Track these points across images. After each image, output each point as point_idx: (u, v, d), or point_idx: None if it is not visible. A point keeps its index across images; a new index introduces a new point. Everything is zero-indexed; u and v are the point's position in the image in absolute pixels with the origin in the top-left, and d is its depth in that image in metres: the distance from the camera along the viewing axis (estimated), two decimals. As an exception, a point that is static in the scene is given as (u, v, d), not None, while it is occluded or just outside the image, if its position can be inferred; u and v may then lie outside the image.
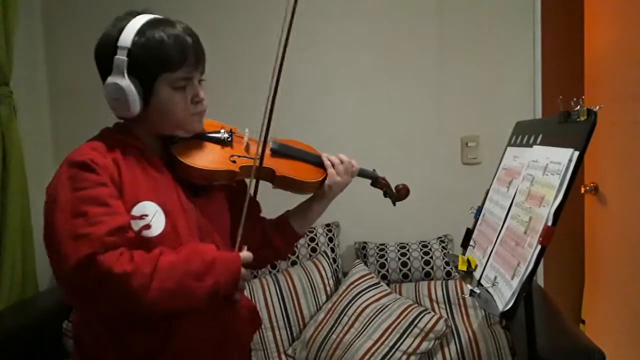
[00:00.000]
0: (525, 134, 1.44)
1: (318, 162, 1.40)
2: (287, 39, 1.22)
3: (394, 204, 1.60)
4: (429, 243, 2.43)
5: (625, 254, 2.30)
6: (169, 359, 1.14)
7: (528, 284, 1.09)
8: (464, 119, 2.50)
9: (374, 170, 1.55)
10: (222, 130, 1.28)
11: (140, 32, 1.11)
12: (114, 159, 1.11)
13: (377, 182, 1.56)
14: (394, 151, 2.52)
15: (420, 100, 2.52)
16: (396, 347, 2.02)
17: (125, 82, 1.10)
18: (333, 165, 1.37)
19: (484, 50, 2.47)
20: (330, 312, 2.21)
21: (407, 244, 2.43)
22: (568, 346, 1.73)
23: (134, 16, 1.15)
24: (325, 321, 2.19)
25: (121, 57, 1.10)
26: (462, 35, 2.48)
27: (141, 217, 1.08)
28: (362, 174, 1.51)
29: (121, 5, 2.52)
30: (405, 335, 2.03)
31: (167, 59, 1.11)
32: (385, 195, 1.58)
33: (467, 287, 1.33)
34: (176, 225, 1.13)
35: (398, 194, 1.58)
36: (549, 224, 1.08)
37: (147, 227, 1.08)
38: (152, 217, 1.09)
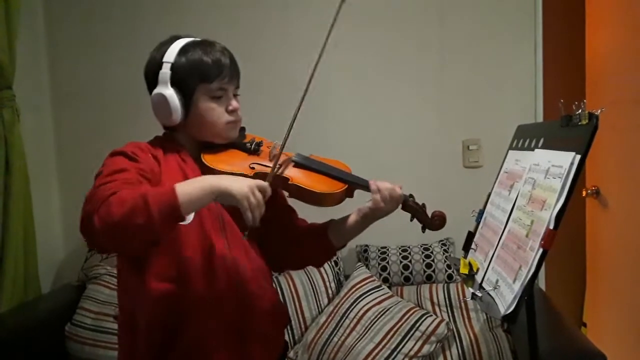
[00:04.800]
0: (526, 137, 1.44)
1: (340, 178, 1.38)
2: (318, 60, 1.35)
3: (423, 231, 1.45)
4: (430, 246, 2.43)
5: (626, 257, 2.30)
6: (183, 345, 1.22)
7: (530, 287, 1.09)
8: (466, 122, 2.51)
9: (410, 195, 1.43)
10: (252, 140, 1.39)
11: (183, 50, 1.28)
12: (155, 156, 1.26)
13: (408, 206, 1.42)
14: (396, 154, 2.53)
15: (421, 103, 2.52)
16: (398, 350, 2.02)
17: (169, 92, 1.26)
18: (379, 192, 1.36)
19: (486, 53, 2.48)
20: (332, 315, 2.21)
21: (409, 247, 2.43)
22: (570, 349, 1.74)
23: (178, 39, 1.31)
24: (326, 324, 2.19)
25: (165, 70, 1.26)
26: (463, 39, 2.48)
27: None
28: None
29: (124, 8, 2.57)
30: (406, 339, 2.03)
31: (204, 71, 1.26)
32: (412, 219, 1.44)
33: (469, 291, 1.32)
34: (202, 220, 1.24)
35: (431, 221, 1.43)
36: (551, 227, 1.08)
37: None
38: None
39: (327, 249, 1.44)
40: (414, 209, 1.42)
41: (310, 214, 1.50)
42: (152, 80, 1.29)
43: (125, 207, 1.02)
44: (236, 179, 1.14)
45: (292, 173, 1.35)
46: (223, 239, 1.26)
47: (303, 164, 1.38)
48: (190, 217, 1.18)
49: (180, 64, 1.26)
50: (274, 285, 1.45)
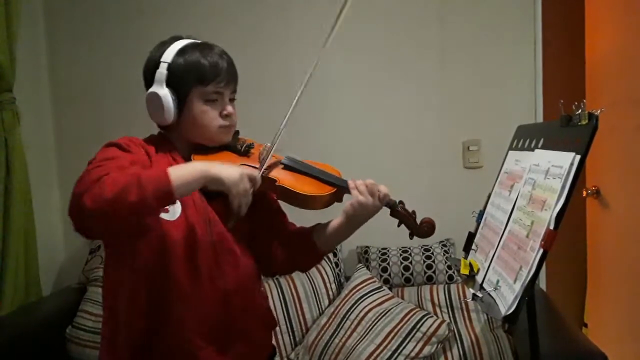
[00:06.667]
0: (526, 137, 1.44)
1: (328, 181, 1.36)
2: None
3: (411, 237, 1.41)
4: (431, 247, 2.43)
5: (627, 257, 2.29)
6: (165, 342, 1.22)
7: (530, 288, 1.09)
8: (466, 123, 2.50)
9: (399, 201, 1.39)
10: (243, 142, 1.39)
11: (181, 51, 1.28)
12: (147, 151, 1.27)
13: (396, 211, 1.39)
14: (396, 156, 2.53)
15: (421, 104, 2.52)
16: (399, 351, 2.02)
17: (163, 91, 1.26)
18: (356, 187, 1.34)
19: (485, 54, 2.48)
20: (333, 317, 2.21)
21: (409, 248, 2.43)
22: (570, 350, 1.73)
23: (177, 39, 1.32)
24: (327, 325, 2.19)
25: (162, 70, 1.27)
26: (463, 40, 2.48)
27: None
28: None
29: (123, 11, 2.57)
30: (407, 340, 2.03)
31: (200, 74, 1.27)
32: (399, 224, 1.40)
33: (470, 291, 1.32)
34: (190, 218, 1.24)
35: (419, 228, 1.39)
36: (551, 227, 1.08)
37: (166, 210, 1.20)
38: None
39: (313, 252, 1.41)
40: (403, 215, 1.39)
41: (303, 218, 1.45)
42: (149, 79, 1.30)
43: (117, 186, 1.04)
44: (228, 166, 1.17)
45: (280, 175, 1.34)
46: (209, 237, 1.25)
47: (292, 167, 1.38)
48: (177, 213, 1.21)
49: (177, 64, 1.27)
50: (262, 287, 1.42)
